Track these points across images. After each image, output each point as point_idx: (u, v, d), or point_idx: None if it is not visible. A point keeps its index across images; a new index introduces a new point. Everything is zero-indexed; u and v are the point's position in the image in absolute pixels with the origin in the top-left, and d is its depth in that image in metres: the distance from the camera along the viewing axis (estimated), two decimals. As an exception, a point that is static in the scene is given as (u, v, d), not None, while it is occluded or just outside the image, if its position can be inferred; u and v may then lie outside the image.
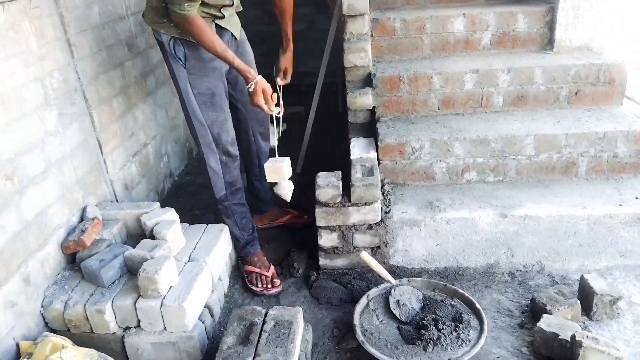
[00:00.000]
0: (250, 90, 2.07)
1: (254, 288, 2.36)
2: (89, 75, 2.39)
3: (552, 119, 2.61)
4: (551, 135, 2.46)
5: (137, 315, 1.92)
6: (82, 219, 2.24)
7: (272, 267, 2.43)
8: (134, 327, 1.96)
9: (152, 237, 2.18)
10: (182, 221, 2.34)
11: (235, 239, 2.46)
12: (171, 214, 2.28)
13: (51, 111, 2.12)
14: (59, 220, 2.11)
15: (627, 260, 2.33)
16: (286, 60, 2.42)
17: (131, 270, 2.06)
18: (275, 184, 2.23)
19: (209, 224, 2.42)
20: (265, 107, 2.11)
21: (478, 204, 2.40)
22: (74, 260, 2.13)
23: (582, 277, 2.13)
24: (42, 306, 1.95)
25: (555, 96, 2.69)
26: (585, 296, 2.09)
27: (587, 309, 2.07)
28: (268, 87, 2.08)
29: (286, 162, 2.20)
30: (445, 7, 3.17)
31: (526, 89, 2.69)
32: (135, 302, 1.91)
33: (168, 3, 1.94)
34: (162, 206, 2.38)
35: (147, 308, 1.90)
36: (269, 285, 2.36)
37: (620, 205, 2.28)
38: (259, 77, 2.06)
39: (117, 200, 2.59)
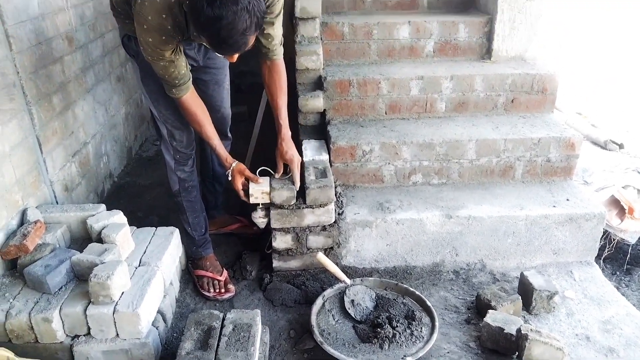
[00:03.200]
0: (229, 178, 2.18)
1: (206, 293, 2.31)
2: (28, 69, 2.25)
3: (491, 124, 2.76)
4: (491, 140, 2.61)
5: (87, 323, 1.83)
6: (22, 222, 2.10)
7: (225, 271, 2.39)
8: (84, 335, 1.87)
9: (100, 240, 2.09)
10: (126, 224, 2.24)
11: (187, 239, 2.39)
12: (119, 217, 2.20)
13: (-12, 107, 1.98)
14: (-3, 223, 1.98)
15: (559, 257, 2.51)
16: (281, 152, 2.22)
17: (79, 275, 1.96)
18: (255, 206, 2.29)
19: (159, 227, 2.34)
20: (241, 193, 2.21)
21: (425, 205, 2.50)
22: (14, 266, 2.00)
23: (522, 274, 2.28)
24: (-21, 316, 1.81)
25: (494, 103, 2.85)
26: (525, 292, 2.23)
27: (526, 304, 2.22)
28: (244, 171, 2.18)
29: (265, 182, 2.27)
30: (391, 14, 3.28)
31: (467, 96, 2.83)
32: (85, 309, 1.82)
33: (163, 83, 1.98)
34: (103, 209, 2.28)
35: (98, 315, 1.82)
36: (222, 290, 2.31)
37: (554, 206, 2.46)
38: (235, 164, 2.16)
39: (57, 203, 2.45)
